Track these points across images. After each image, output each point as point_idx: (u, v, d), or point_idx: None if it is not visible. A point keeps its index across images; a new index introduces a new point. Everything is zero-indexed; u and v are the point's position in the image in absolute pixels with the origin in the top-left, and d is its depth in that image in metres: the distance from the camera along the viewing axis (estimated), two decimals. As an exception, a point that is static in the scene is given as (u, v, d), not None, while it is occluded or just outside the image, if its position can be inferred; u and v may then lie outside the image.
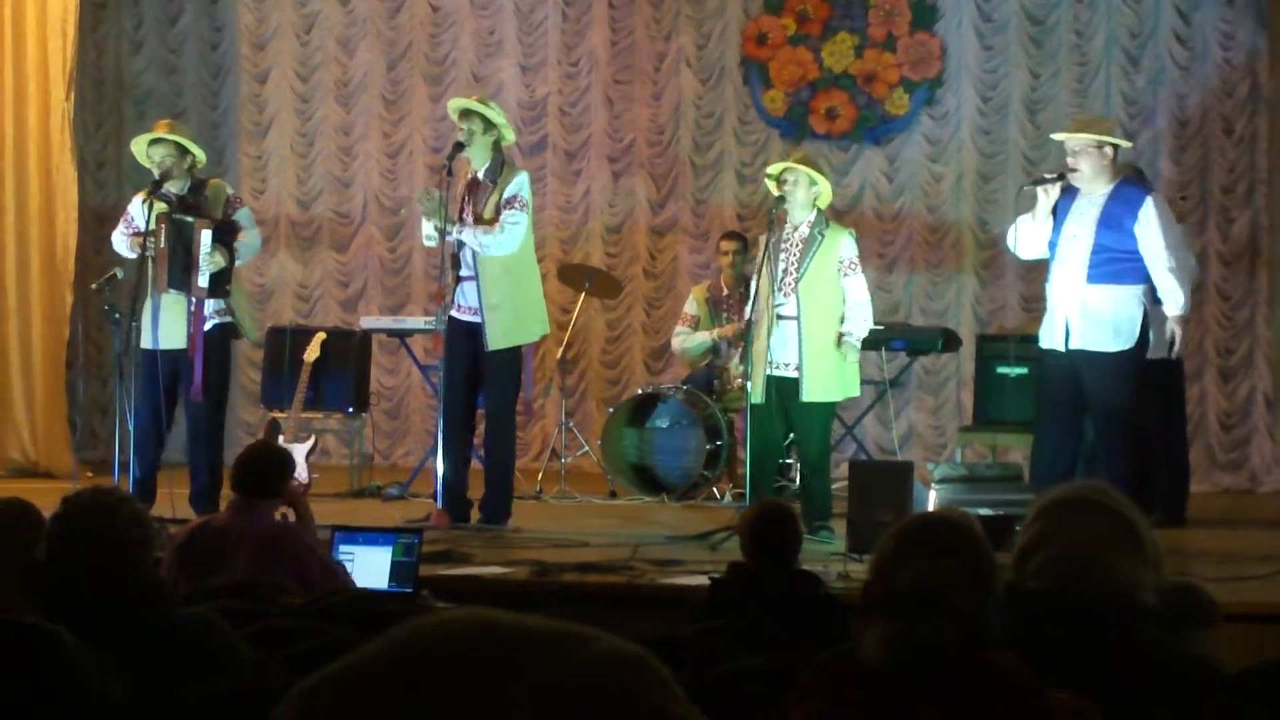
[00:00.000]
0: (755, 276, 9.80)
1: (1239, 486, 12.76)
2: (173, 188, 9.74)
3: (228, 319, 9.87)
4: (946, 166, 13.35)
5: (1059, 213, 9.23)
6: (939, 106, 13.35)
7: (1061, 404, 9.29)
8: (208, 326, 9.73)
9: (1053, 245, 9.24)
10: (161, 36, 14.32)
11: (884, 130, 13.39)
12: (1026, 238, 9.35)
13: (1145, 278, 9.17)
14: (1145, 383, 9.58)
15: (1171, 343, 9.27)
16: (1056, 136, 9.51)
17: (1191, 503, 10.38)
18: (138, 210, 9.86)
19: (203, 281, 9.66)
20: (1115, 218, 9.10)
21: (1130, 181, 9.43)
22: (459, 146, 9.59)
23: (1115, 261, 9.12)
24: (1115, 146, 9.26)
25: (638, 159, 13.78)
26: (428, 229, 9.69)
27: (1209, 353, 12.79)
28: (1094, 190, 9.17)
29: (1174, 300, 9.16)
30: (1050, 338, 9.28)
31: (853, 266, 9.63)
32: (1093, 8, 13.06)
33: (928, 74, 13.29)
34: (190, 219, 9.67)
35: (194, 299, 9.65)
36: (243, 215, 9.99)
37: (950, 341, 11.82)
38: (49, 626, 3.72)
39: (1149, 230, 9.08)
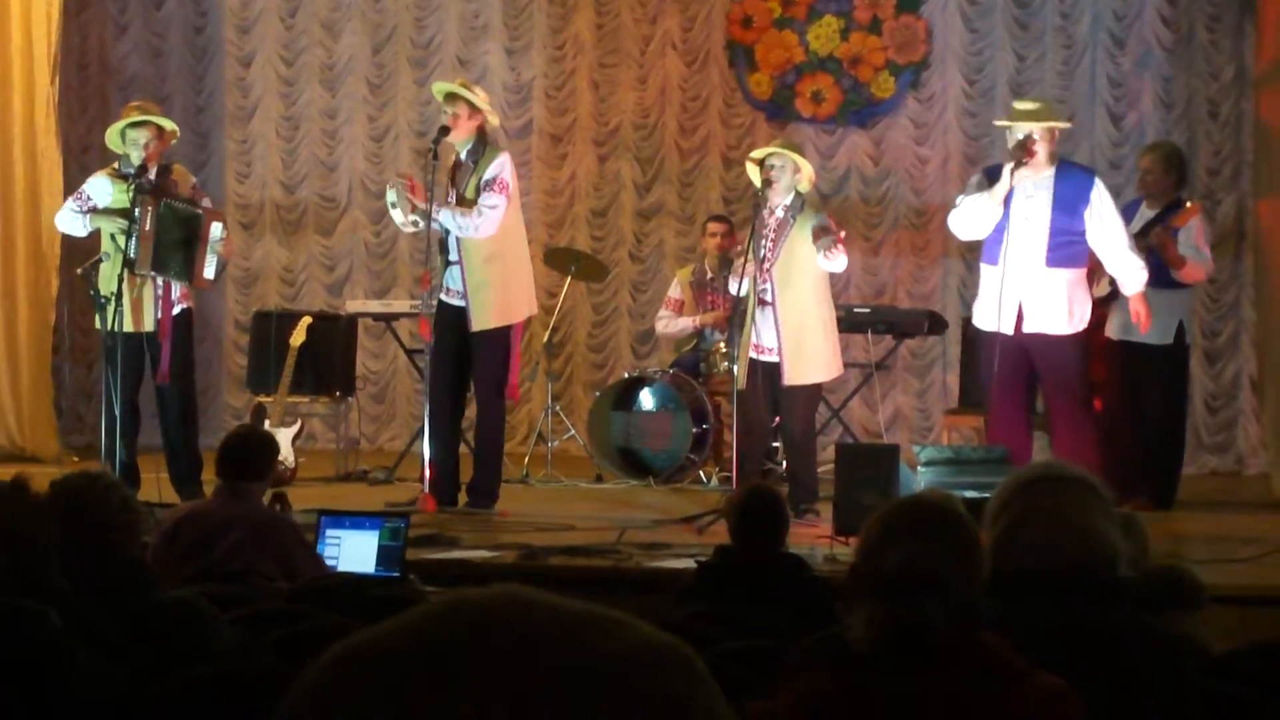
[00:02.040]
0: (740, 261, 9.80)
1: (1225, 469, 12.78)
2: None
3: (190, 304, 9.94)
4: (932, 150, 13.35)
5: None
6: (925, 89, 13.35)
7: (1013, 388, 9.39)
8: (175, 311, 9.79)
9: (1000, 227, 9.27)
10: (146, 20, 14.28)
11: (869, 113, 13.39)
12: (981, 218, 9.30)
13: (1090, 259, 9.32)
14: (1147, 367, 9.90)
15: (1136, 319, 9.49)
16: (1021, 126, 9.40)
17: (1179, 485, 10.38)
18: (97, 189, 9.85)
19: (209, 273, 9.79)
20: (1068, 200, 9.24)
21: (1069, 164, 9.63)
22: (444, 130, 9.59)
23: (1070, 245, 9.30)
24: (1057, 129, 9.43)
25: (623, 142, 13.77)
26: (398, 217, 9.73)
27: (1195, 335, 12.77)
28: (1040, 172, 9.25)
29: (1137, 279, 9.35)
30: (996, 320, 9.25)
31: (830, 227, 9.54)
32: (1079, -10, 13.08)
33: (913, 57, 13.28)
34: (199, 210, 9.76)
35: (161, 284, 9.69)
36: (205, 204, 10.07)
37: (936, 324, 11.82)
38: (36, 607, 3.72)
39: (1102, 213, 9.25)
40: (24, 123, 12.53)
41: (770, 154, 9.69)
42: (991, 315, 9.30)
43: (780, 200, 9.61)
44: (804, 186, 9.72)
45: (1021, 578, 3.42)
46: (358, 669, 1.46)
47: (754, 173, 9.80)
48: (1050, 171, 9.29)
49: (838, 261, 9.41)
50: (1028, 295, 9.23)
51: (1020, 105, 9.72)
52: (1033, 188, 9.24)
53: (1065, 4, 13.11)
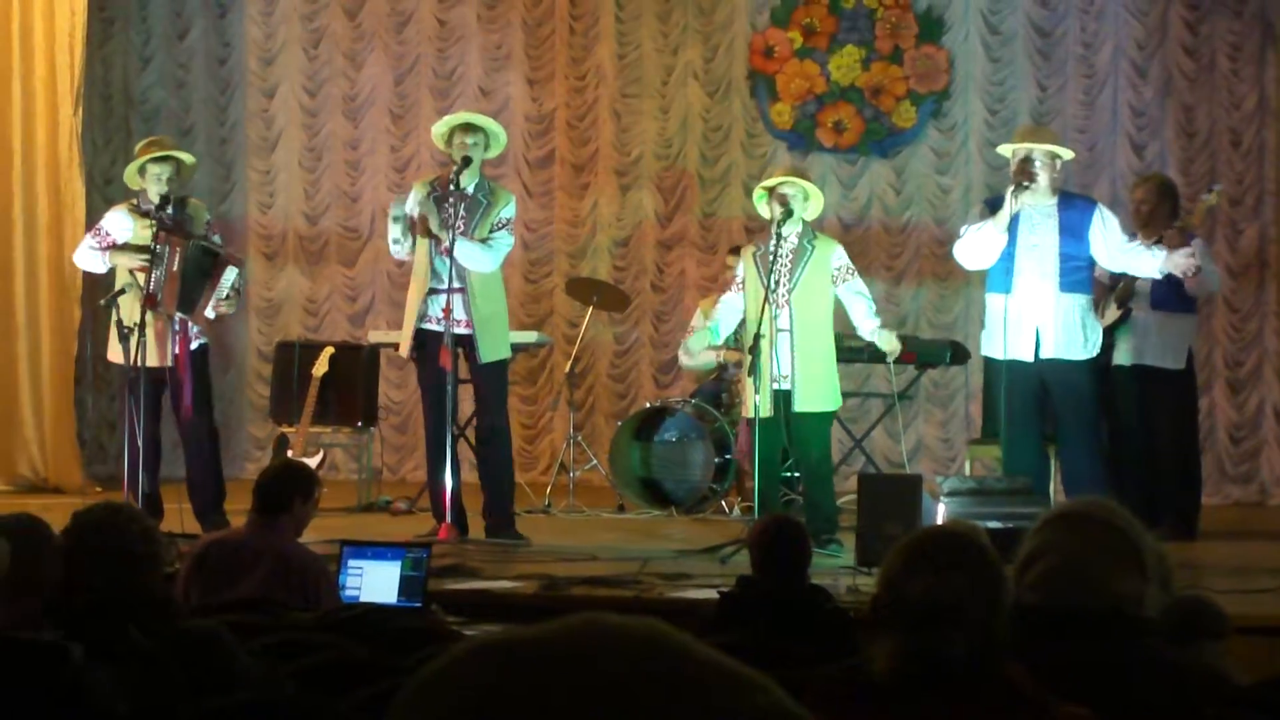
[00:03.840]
0: (749, 288, 9.72)
1: (1249, 499, 12.73)
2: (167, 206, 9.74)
3: (205, 340, 9.93)
4: (954, 179, 13.35)
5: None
6: (946, 119, 13.35)
7: (1030, 415, 9.45)
8: (193, 346, 9.77)
9: (1008, 256, 9.30)
10: (170, 52, 14.34)
11: (891, 143, 13.39)
12: (987, 247, 9.35)
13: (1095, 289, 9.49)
14: (1158, 392, 9.94)
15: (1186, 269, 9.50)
16: (1021, 146, 9.45)
17: (1201, 515, 10.34)
18: (117, 225, 9.83)
19: (210, 313, 9.70)
20: (1073, 227, 9.34)
21: (1069, 193, 9.72)
22: (467, 161, 9.61)
23: (1079, 270, 9.41)
24: (1059, 157, 9.43)
25: (645, 172, 13.78)
26: (396, 232, 9.68)
27: (1218, 365, 12.77)
28: (1043, 200, 9.30)
29: (1160, 259, 9.40)
30: (1012, 348, 9.29)
31: (851, 271, 9.66)
32: (1100, 19, 13.06)
33: (935, 86, 13.29)
34: (219, 250, 9.72)
35: (178, 320, 9.64)
36: (216, 241, 10.04)
37: (958, 354, 11.79)
38: (58, 642, 3.72)
39: (1105, 231, 9.39)
40: (47, 154, 12.58)
41: (782, 181, 9.68)
42: (1001, 343, 9.31)
43: (791, 229, 9.61)
44: (812, 214, 9.74)
45: (1024, 611, 3.42)
46: (492, 658, 1.49)
47: (763, 202, 9.75)
48: (1053, 200, 9.38)
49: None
50: (1044, 322, 9.27)
51: (1021, 129, 9.86)
52: (1038, 216, 9.30)
53: (1087, 33, 13.11)
